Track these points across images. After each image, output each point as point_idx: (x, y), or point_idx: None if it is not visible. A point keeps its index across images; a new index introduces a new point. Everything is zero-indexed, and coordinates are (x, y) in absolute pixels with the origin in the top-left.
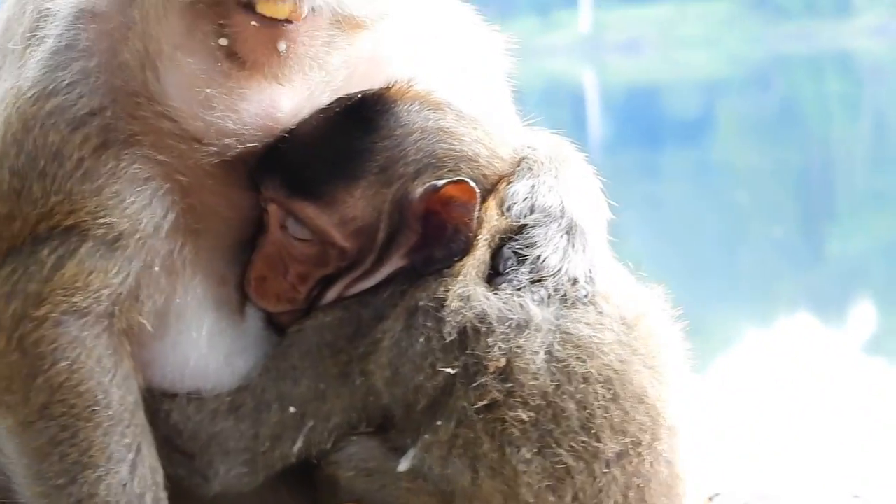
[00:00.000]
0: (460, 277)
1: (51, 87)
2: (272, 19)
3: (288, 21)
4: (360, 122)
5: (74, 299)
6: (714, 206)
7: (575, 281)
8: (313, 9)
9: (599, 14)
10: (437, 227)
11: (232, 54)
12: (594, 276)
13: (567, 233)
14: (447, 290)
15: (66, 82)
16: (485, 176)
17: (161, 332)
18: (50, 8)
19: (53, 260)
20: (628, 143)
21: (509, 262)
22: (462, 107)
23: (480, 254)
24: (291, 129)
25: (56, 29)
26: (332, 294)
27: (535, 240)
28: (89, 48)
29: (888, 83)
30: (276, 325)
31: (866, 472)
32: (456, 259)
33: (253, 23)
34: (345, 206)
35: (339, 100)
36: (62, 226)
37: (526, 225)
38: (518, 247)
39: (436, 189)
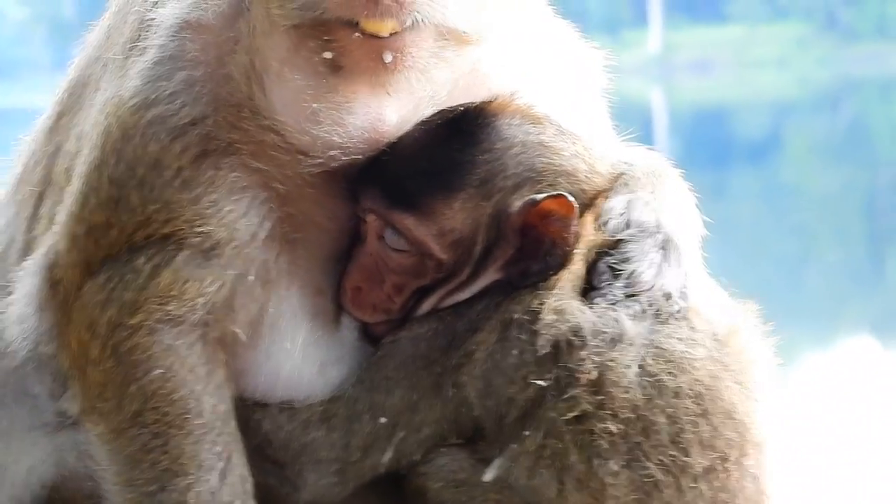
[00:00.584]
0: (555, 291)
1: (153, 96)
2: (375, 35)
3: (392, 34)
4: (461, 134)
5: (169, 308)
6: (780, 228)
7: (669, 296)
8: (416, 21)
9: (669, 34)
10: (534, 241)
11: (337, 67)
12: (687, 292)
13: (662, 248)
14: (542, 304)
15: (169, 92)
16: (583, 191)
17: (255, 341)
18: (154, 19)
19: (149, 268)
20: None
21: (604, 277)
22: (561, 122)
23: (576, 268)
24: (392, 141)
25: (159, 39)
26: (427, 305)
27: (630, 255)
28: (195, 59)
29: None
30: (370, 336)
31: None
32: (552, 273)
33: (357, 35)
34: (443, 218)
35: (440, 112)
36: (159, 234)
37: (622, 240)
38: (613, 261)
39: (534, 203)
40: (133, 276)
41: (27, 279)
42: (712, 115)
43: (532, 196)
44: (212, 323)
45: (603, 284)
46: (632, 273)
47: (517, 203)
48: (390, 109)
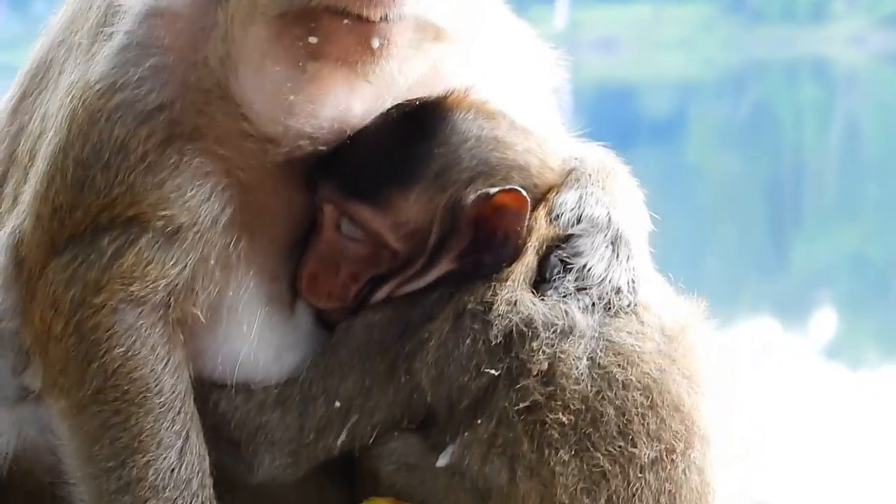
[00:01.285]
0: (508, 283)
1: (120, 81)
2: (366, 19)
3: (383, 20)
4: (417, 128)
5: (132, 288)
6: (683, 209)
7: (618, 290)
8: (403, 13)
9: (576, 12)
10: (487, 233)
11: (319, 54)
12: (637, 287)
13: (612, 243)
14: (495, 295)
15: (136, 77)
16: (535, 185)
17: (213, 323)
18: (121, 5)
19: (113, 249)
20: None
21: (556, 270)
22: (515, 117)
23: (528, 261)
24: (351, 132)
25: (127, 25)
26: (381, 294)
27: (581, 249)
28: (164, 45)
29: (862, 92)
30: (325, 323)
31: (823, 475)
32: (504, 265)
33: (346, 21)
34: (399, 209)
35: (398, 106)
36: (123, 217)
37: (573, 234)
38: (565, 255)
39: (488, 196)
40: (97, 257)
41: None
42: (617, 95)
43: (486, 189)
44: (173, 304)
45: (554, 277)
46: (583, 267)
47: (471, 196)
48: (359, 101)
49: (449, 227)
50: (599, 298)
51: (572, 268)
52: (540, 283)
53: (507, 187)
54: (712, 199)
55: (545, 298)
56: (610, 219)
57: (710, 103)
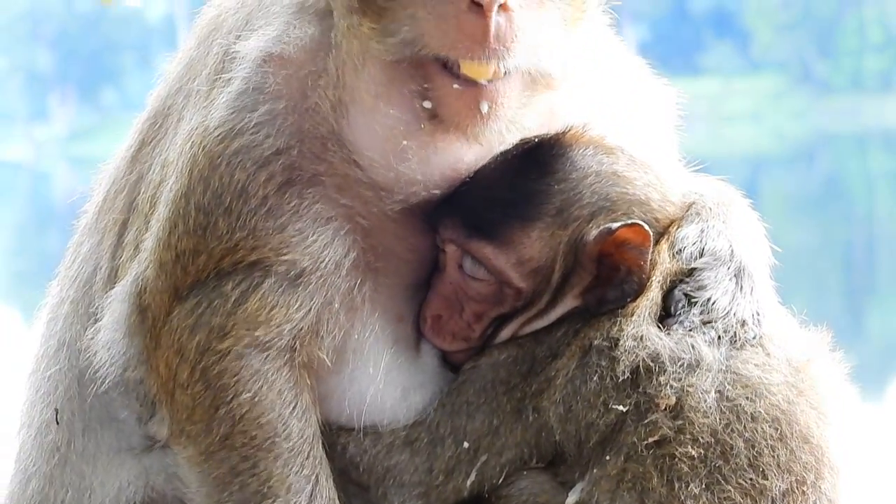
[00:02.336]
0: (633, 318)
1: (238, 126)
2: (474, 81)
3: (489, 80)
4: (537, 165)
5: (257, 333)
6: None
7: (744, 323)
8: (513, 68)
9: None
10: (610, 269)
11: (434, 116)
12: (761, 319)
13: (735, 276)
14: (621, 330)
15: (253, 122)
16: (657, 220)
17: (339, 366)
18: (238, 51)
19: (237, 294)
20: None
21: (680, 304)
22: (634, 152)
23: (652, 295)
24: (470, 172)
25: (243, 71)
26: (506, 333)
27: (705, 282)
28: (278, 91)
29: None
30: (450, 363)
31: None
32: (629, 300)
33: (455, 86)
34: (522, 246)
35: (517, 144)
36: (246, 261)
37: (696, 268)
38: (689, 289)
39: (610, 231)
40: (221, 302)
41: (115, 305)
42: (688, 167)
43: (608, 225)
44: (298, 348)
45: (679, 311)
46: (707, 300)
47: (593, 232)
48: (471, 152)
49: (572, 264)
50: (725, 331)
51: (697, 301)
52: (665, 317)
53: (629, 222)
54: (786, 272)
55: (671, 332)
56: (732, 251)
57: (780, 175)
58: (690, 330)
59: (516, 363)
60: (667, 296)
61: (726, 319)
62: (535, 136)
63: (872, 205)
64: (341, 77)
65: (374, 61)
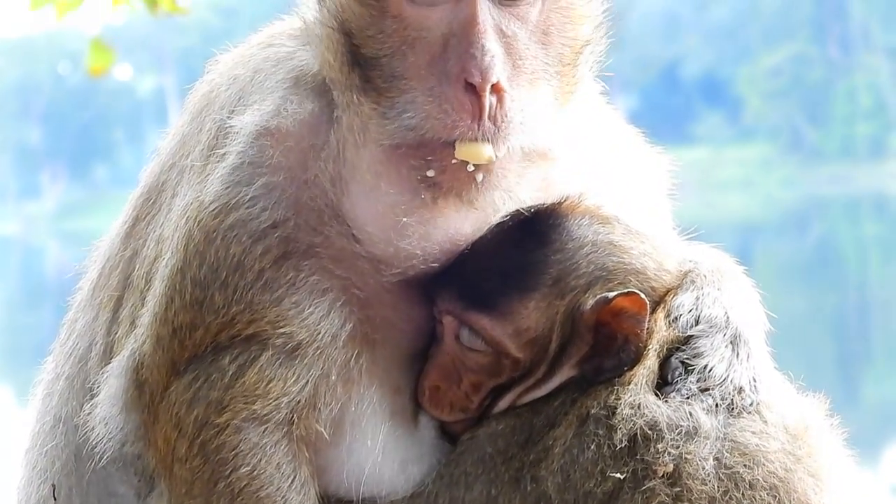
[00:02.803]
0: (630, 386)
1: (233, 200)
2: None
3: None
4: (534, 236)
5: (255, 406)
6: None
7: (740, 390)
8: (506, 151)
9: None
10: (607, 338)
11: (433, 184)
12: (758, 385)
13: (731, 343)
14: (618, 399)
15: (249, 196)
16: (653, 288)
17: (337, 438)
18: (232, 126)
19: (234, 368)
20: None
21: (677, 372)
22: (630, 221)
23: (649, 363)
24: (467, 243)
25: (239, 146)
26: (504, 403)
27: (701, 350)
28: (276, 164)
29: None
30: (448, 434)
31: None
32: (626, 368)
33: (454, 161)
34: (519, 317)
35: (513, 214)
36: (243, 335)
37: (692, 335)
38: (685, 357)
39: (607, 301)
40: (219, 376)
41: (112, 380)
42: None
43: (604, 294)
44: (296, 421)
45: (676, 379)
46: (704, 367)
47: (590, 301)
48: (469, 224)
49: (569, 333)
50: (722, 399)
51: (694, 369)
52: (662, 385)
53: (626, 291)
54: (779, 338)
55: (668, 400)
56: (728, 318)
57: (772, 242)
58: (688, 397)
59: (514, 433)
60: (663, 364)
61: (723, 387)
62: (532, 207)
63: (865, 270)
64: (342, 152)
65: (373, 141)
